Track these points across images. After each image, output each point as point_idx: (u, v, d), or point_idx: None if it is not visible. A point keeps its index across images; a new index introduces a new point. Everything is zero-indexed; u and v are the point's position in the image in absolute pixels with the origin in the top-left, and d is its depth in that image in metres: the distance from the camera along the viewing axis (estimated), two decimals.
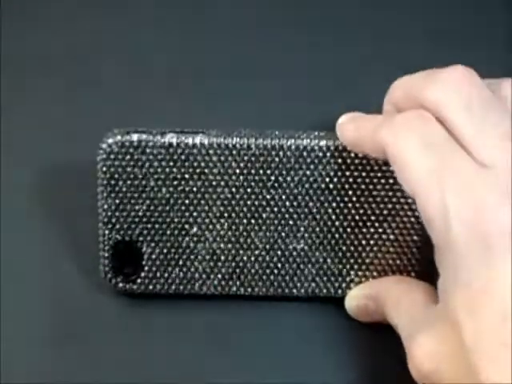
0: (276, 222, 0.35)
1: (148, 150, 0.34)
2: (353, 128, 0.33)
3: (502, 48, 0.48)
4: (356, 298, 0.36)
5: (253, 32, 0.49)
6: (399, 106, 0.32)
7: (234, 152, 0.35)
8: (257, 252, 0.35)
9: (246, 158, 0.35)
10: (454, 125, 0.29)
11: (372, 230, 0.35)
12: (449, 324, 0.27)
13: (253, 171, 0.35)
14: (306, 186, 0.35)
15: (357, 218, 0.35)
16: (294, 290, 0.36)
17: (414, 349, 0.29)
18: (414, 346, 0.29)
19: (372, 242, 0.35)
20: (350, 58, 0.48)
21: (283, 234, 0.35)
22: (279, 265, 0.35)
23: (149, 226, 0.35)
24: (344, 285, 0.35)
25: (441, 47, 0.49)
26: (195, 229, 0.35)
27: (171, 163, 0.34)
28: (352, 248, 0.35)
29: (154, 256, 0.35)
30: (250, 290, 0.35)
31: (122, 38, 0.48)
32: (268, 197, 0.35)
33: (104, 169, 0.34)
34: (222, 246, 0.35)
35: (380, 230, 0.35)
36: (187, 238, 0.35)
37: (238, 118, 0.45)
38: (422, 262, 0.34)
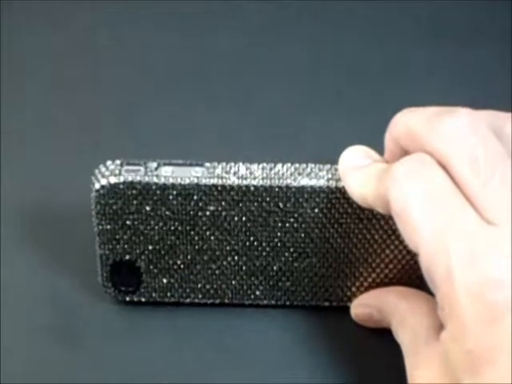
0: (274, 248, 0.35)
1: (141, 189, 0.33)
2: (357, 182, 0.31)
3: (503, 48, 0.48)
4: (361, 307, 0.35)
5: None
6: (401, 144, 0.31)
7: (231, 193, 0.33)
8: (252, 269, 0.35)
9: (243, 198, 0.33)
10: (459, 179, 0.28)
11: (375, 246, 0.35)
12: (450, 376, 0.27)
13: (251, 208, 0.33)
14: (305, 222, 0.34)
15: (360, 240, 0.34)
16: (295, 301, 0.36)
17: (413, 379, 0.29)
18: (413, 377, 0.29)
19: (376, 260, 0.35)
20: (351, 60, 0.48)
21: (281, 258, 0.35)
22: (277, 278, 0.35)
23: (146, 246, 0.34)
24: (346, 296, 0.35)
25: (441, 47, 0.49)
26: (192, 251, 0.35)
27: (165, 201, 0.33)
28: (352, 268, 0.35)
29: (152, 271, 0.35)
30: (246, 300, 0.36)
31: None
32: (265, 231, 0.34)
33: (98, 206, 0.33)
34: (218, 264, 0.35)
35: (383, 247, 0.35)
36: (185, 260, 0.35)
37: (238, 121, 0.45)
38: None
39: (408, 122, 0.30)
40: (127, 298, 0.36)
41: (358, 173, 0.31)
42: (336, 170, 0.33)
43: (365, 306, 0.35)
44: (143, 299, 0.36)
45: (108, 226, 0.34)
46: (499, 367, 0.26)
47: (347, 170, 0.32)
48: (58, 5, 0.51)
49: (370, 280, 0.35)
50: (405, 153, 0.30)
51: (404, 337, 0.31)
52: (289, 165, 0.33)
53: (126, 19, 0.50)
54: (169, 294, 0.36)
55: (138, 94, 0.46)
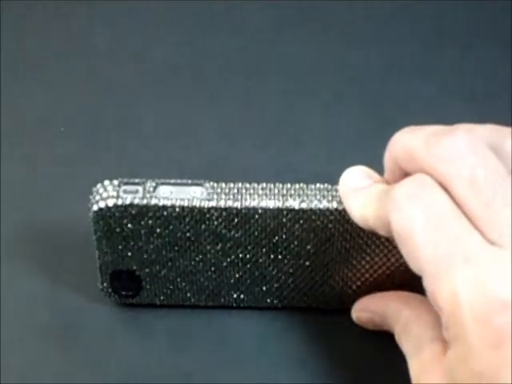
0: (273, 261, 0.34)
1: (139, 211, 0.32)
2: (358, 205, 0.31)
3: (503, 49, 0.48)
4: (362, 312, 0.35)
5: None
6: (400, 163, 0.30)
7: (231, 214, 0.32)
8: (252, 278, 0.35)
9: (242, 219, 0.33)
10: (460, 200, 0.28)
11: (372, 255, 0.34)
12: None
13: (251, 228, 0.33)
14: (306, 241, 0.33)
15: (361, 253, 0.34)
16: (288, 303, 0.36)
17: None
18: None
19: (376, 267, 0.35)
20: (351, 60, 0.48)
21: (280, 270, 0.35)
22: (276, 287, 0.35)
23: (145, 260, 0.34)
24: (345, 300, 0.35)
25: (441, 47, 0.49)
26: (191, 262, 0.34)
27: (163, 221, 0.33)
28: (353, 278, 0.35)
29: (151, 280, 0.35)
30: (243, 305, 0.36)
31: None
32: (264, 249, 0.34)
33: (96, 226, 0.33)
34: (218, 273, 0.35)
35: (385, 252, 0.34)
36: (184, 270, 0.34)
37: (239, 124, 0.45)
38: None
39: (406, 143, 0.30)
40: (126, 302, 0.36)
41: (358, 195, 0.31)
42: (336, 190, 0.32)
43: (366, 310, 0.35)
44: (142, 301, 0.36)
45: (107, 243, 0.33)
46: None
47: (348, 192, 0.32)
48: (58, 5, 0.51)
49: (368, 283, 0.35)
50: (405, 172, 0.30)
51: (408, 345, 0.31)
52: (288, 185, 0.33)
53: (126, 19, 0.50)
54: (169, 299, 0.36)
55: (138, 93, 0.46)
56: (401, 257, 0.33)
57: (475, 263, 0.27)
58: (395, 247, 0.33)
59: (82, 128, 0.44)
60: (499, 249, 0.27)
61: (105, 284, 0.35)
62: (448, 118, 0.46)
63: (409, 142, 0.30)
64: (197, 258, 0.34)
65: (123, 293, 0.35)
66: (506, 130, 0.30)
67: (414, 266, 0.28)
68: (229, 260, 0.34)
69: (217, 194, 0.32)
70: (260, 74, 0.47)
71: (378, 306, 0.34)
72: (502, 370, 0.26)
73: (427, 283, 0.27)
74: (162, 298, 0.36)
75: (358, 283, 0.35)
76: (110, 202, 0.32)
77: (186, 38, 0.49)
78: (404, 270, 0.34)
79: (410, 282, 0.34)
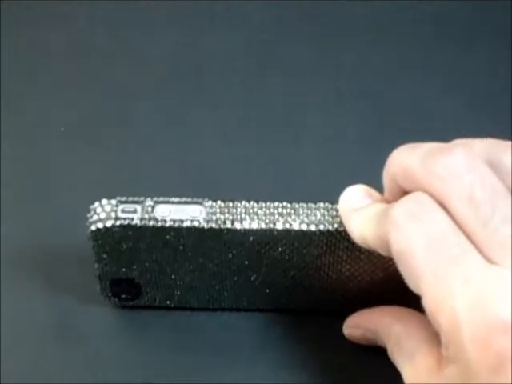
0: (271, 275, 0.34)
1: (138, 230, 0.32)
2: (358, 225, 0.31)
3: (502, 48, 0.48)
4: (354, 328, 0.35)
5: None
6: (398, 182, 0.30)
7: (229, 235, 0.32)
8: (251, 286, 0.35)
9: (240, 239, 0.32)
10: (459, 219, 0.28)
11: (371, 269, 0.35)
12: None
13: (250, 248, 0.33)
14: (303, 260, 0.33)
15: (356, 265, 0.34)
16: (288, 305, 0.36)
17: None
18: None
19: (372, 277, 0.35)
20: (351, 60, 0.48)
21: (278, 283, 0.35)
22: (275, 294, 0.35)
23: (144, 271, 0.34)
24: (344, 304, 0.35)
25: (441, 47, 0.49)
26: (191, 271, 0.34)
27: (161, 240, 0.32)
28: (350, 291, 0.35)
29: (151, 286, 0.35)
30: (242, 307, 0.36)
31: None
32: (263, 268, 0.34)
33: (95, 245, 0.33)
34: (217, 282, 0.35)
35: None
36: (184, 278, 0.34)
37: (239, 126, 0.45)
38: None
39: (404, 161, 0.29)
40: (126, 304, 0.36)
41: (357, 214, 0.31)
42: (336, 210, 0.32)
43: (358, 327, 0.35)
44: (141, 303, 0.36)
45: (106, 257, 0.33)
46: None
47: (347, 212, 0.31)
48: (58, 5, 0.51)
49: (369, 285, 0.35)
50: (404, 191, 0.30)
51: (401, 361, 0.31)
52: (288, 206, 0.32)
53: (126, 19, 0.50)
54: (168, 303, 0.36)
55: (138, 93, 0.46)
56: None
57: (474, 284, 0.26)
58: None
59: (82, 128, 0.44)
60: (499, 268, 0.26)
61: (104, 290, 0.35)
62: (448, 118, 0.46)
63: (406, 160, 0.29)
64: (196, 272, 0.34)
65: (123, 296, 0.35)
66: (504, 144, 0.29)
67: (413, 285, 0.28)
68: (228, 271, 0.34)
69: (215, 214, 0.32)
70: (260, 73, 0.47)
71: (370, 323, 0.34)
72: None
73: (427, 303, 0.27)
74: (161, 301, 0.36)
75: (358, 286, 0.35)
76: (108, 223, 0.32)
77: (186, 37, 0.49)
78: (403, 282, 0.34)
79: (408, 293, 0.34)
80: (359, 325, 0.35)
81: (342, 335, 0.35)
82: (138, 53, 0.48)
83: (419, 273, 0.27)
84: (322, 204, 0.32)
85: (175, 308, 0.36)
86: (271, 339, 0.35)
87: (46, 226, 0.39)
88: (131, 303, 0.36)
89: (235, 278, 0.34)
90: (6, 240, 0.39)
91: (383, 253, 0.29)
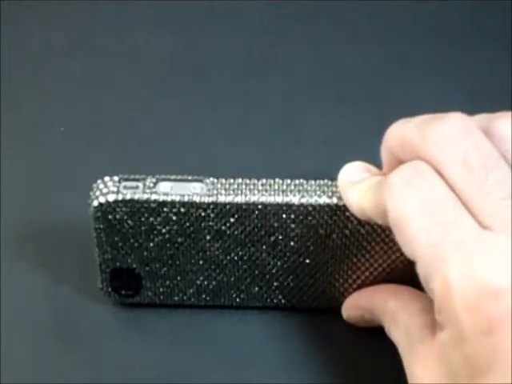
0: (273, 259, 0.34)
1: (139, 207, 0.32)
2: (356, 195, 0.31)
3: (502, 48, 0.48)
4: (351, 308, 0.35)
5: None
6: (396, 154, 0.31)
7: (231, 210, 0.32)
8: (252, 277, 0.35)
9: (242, 215, 0.33)
10: (454, 183, 0.28)
11: (372, 252, 0.35)
12: (449, 377, 0.27)
13: (251, 224, 0.33)
14: (306, 237, 0.33)
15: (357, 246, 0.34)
16: (287, 304, 0.36)
17: (412, 378, 0.29)
18: (411, 375, 0.29)
19: (374, 264, 0.35)
20: (351, 60, 0.48)
21: (280, 267, 0.35)
22: (276, 285, 0.35)
23: (145, 257, 0.34)
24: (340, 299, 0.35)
25: (441, 47, 0.49)
26: (191, 260, 0.34)
27: (163, 217, 0.33)
28: (353, 276, 0.35)
29: (151, 279, 0.35)
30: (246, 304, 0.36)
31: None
32: (265, 246, 0.34)
33: (96, 223, 0.33)
34: (218, 272, 0.35)
35: (382, 252, 0.35)
36: (184, 268, 0.35)
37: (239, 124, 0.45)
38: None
39: (401, 132, 0.30)
40: (126, 301, 0.36)
41: (356, 186, 0.31)
42: (336, 186, 0.33)
43: (355, 307, 0.35)
44: (142, 300, 0.36)
45: (107, 239, 0.33)
46: (497, 376, 0.26)
47: (346, 185, 0.32)
48: (58, 5, 0.51)
49: (368, 281, 0.35)
50: (402, 163, 0.30)
51: (397, 335, 0.31)
52: (288, 181, 0.33)
53: (126, 19, 0.50)
54: (169, 298, 0.36)
55: (138, 93, 0.46)
56: (401, 254, 0.33)
57: (467, 250, 0.27)
58: (395, 244, 0.33)
59: (82, 128, 0.44)
60: (491, 233, 0.27)
61: (104, 283, 0.35)
62: None
63: (403, 130, 0.30)
64: (196, 257, 0.34)
65: (123, 292, 0.35)
66: (498, 114, 0.30)
67: (408, 251, 0.28)
68: (228, 258, 0.34)
69: (217, 189, 0.32)
70: (260, 73, 0.47)
71: (366, 301, 0.34)
72: (493, 357, 0.26)
73: (420, 269, 0.28)
74: (161, 297, 0.36)
75: (359, 282, 0.35)
76: (111, 198, 0.32)
77: (186, 37, 0.49)
78: (403, 268, 0.34)
79: (409, 280, 0.34)
80: (356, 304, 0.35)
81: (343, 335, 0.35)
82: (138, 53, 0.48)
83: (414, 238, 0.28)
84: (321, 181, 0.33)
85: (175, 306, 0.36)
86: (271, 339, 0.35)
87: (46, 225, 0.39)
88: (131, 300, 0.36)
89: (236, 268, 0.34)
90: (5, 239, 0.39)
91: (380, 222, 0.30)
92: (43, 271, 0.37)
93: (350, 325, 0.35)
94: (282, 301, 0.36)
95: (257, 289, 0.35)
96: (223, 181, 0.33)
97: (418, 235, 0.28)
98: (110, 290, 0.35)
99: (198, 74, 0.47)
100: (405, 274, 0.34)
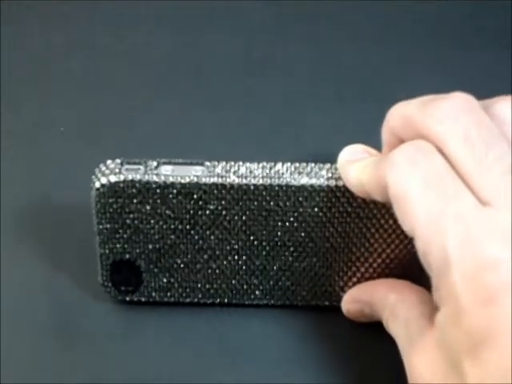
0: (274, 247, 0.34)
1: (142, 189, 0.33)
2: (355, 172, 0.32)
3: (502, 48, 0.48)
4: (351, 303, 0.35)
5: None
6: (398, 134, 0.31)
7: (232, 191, 0.33)
8: (252, 268, 0.35)
9: (243, 197, 0.33)
10: (454, 159, 0.28)
11: (376, 245, 0.35)
12: (448, 359, 0.27)
13: (251, 206, 0.33)
14: (306, 221, 0.34)
15: (357, 239, 0.34)
16: (294, 301, 0.36)
17: (411, 368, 0.29)
18: (410, 366, 0.29)
19: (376, 259, 0.35)
20: (351, 60, 0.48)
21: (281, 257, 0.35)
22: (277, 277, 0.35)
23: (146, 245, 0.34)
24: (341, 294, 0.35)
25: (441, 47, 0.49)
26: (192, 250, 0.35)
27: (164, 199, 0.33)
28: (352, 267, 0.35)
29: (152, 271, 0.35)
30: (247, 301, 0.36)
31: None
32: (267, 227, 0.34)
33: (98, 205, 0.33)
34: (218, 263, 0.35)
35: (384, 246, 0.35)
36: (185, 259, 0.35)
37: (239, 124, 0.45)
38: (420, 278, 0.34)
39: (403, 111, 0.31)
40: (127, 298, 0.36)
41: (355, 164, 0.32)
42: (336, 168, 0.33)
43: (355, 301, 0.35)
44: (143, 299, 0.36)
45: (108, 225, 0.34)
46: (498, 347, 0.26)
47: (345, 163, 0.33)
48: (58, 4, 0.51)
49: (367, 274, 0.35)
50: (402, 143, 0.30)
51: (396, 328, 0.32)
52: (289, 164, 0.33)
53: (126, 19, 0.50)
54: (168, 294, 0.36)
55: (138, 93, 0.46)
56: (400, 243, 0.33)
57: (466, 222, 0.27)
58: (394, 231, 0.33)
59: (82, 128, 0.44)
60: (490, 209, 0.27)
61: (105, 277, 0.35)
62: None
63: (405, 109, 0.31)
64: (196, 246, 0.34)
65: (123, 287, 0.35)
66: (498, 97, 0.31)
67: (408, 227, 0.28)
68: (228, 248, 0.34)
69: (217, 171, 0.33)
70: (260, 73, 0.47)
71: (366, 295, 0.35)
72: (493, 328, 0.26)
73: (419, 243, 0.28)
74: (161, 294, 0.35)
75: (358, 275, 0.35)
76: (113, 178, 0.33)
77: (186, 37, 0.49)
78: (402, 261, 0.34)
79: (407, 275, 0.34)
80: (356, 298, 0.35)
81: (343, 335, 0.35)
82: (138, 53, 0.48)
83: (414, 213, 0.28)
84: (322, 164, 0.33)
85: (175, 305, 0.36)
86: (272, 339, 0.35)
87: (46, 225, 0.39)
88: (131, 297, 0.36)
89: (236, 258, 0.35)
90: (5, 239, 0.39)
91: (379, 198, 0.30)
92: (43, 271, 0.37)
93: (350, 323, 0.35)
94: (282, 298, 0.36)
95: (256, 283, 0.35)
96: (224, 163, 0.33)
97: (417, 210, 0.28)
98: (110, 284, 0.35)
99: (198, 74, 0.47)
100: (404, 268, 0.35)
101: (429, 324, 0.29)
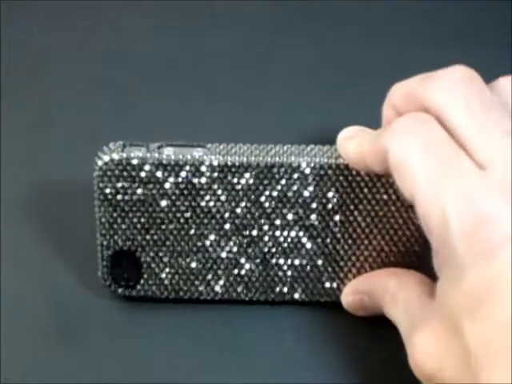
0: (274, 235, 0.35)
1: (144, 167, 0.33)
2: (354, 144, 0.33)
3: (502, 48, 0.48)
4: (351, 294, 0.36)
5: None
6: (399, 109, 0.32)
7: (233, 170, 0.33)
8: (256, 261, 0.35)
9: (244, 175, 0.34)
10: (454, 125, 0.29)
11: (371, 239, 0.35)
12: (449, 326, 0.27)
13: (253, 188, 0.34)
14: (307, 201, 0.34)
15: (357, 230, 0.34)
16: (294, 296, 0.36)
17: (413, 347, 0.29)
18: (412, 345, 0.29)
19: (371, 251, 0.35)
20: (351, 60, 0.48)
21: (281, 247, 0.35)
22: (277, 271, 0.35)
23: (147, 235, 0.34)
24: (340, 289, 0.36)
25: (441, 47, 0.49)
26: (193, 238, 0.35)
27: (168, 180, 0.34)
28: (352, 258, 0.35)
29: (152, 264, 0.35)
30: (249, 295, 0.36)
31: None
32: (268, 211, 0.34)
33: (100, 185, 0.34)
34: (220, 254, 0.35)
35: (379, 240, 0.35)
36: (186, 248, 0.35)
37: (239, 118, 0.45)
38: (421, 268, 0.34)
39: (405, 87, 0.32)
40: (127, 293, 0.36)
41: (353, 139, 0.33)
42: (335, 149, 0.34)
43: (355, 292, 0.35)
44: (142, 293, 0.36)
45: (109, 209, 0.34)
46: (499, 302, 0.26)
47: (344, 140, 0.33)
48: (58, 4, 0.51)
49: (366, 265, 0.35)
50: None
51: (397, 313, 0.32)
52: (289, 145, 0.34)
53: (126, 19, 0.50)
54: (168, 289, 0.35)
55: (138, 93, 0.46)
56: (399, 227, 0.34)
57: (466, 183, 0.28)
58: (393, 215, 0.34)
59: (82, 128, 0.44)
60: (490, 170, 0.28)
61: (105, 270, 0.35)
62: None
63: (406, 85, 0.32)
64: (196, 235, 0.34)
65: (123, 282, 0.35)
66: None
67: (407, 192, 0.29)
68: (229, 234, 0.34)
69: (219, 152, 0.34)
70: (260, 73, 0.47)
71: (366, 284, 0.35)
72: (493, 283, 0.26)
73: (418, 208, 0.29)
74: (161, 289, 0.35)
75: (358, 265, 0.35)
76: (115, 156, 0.33)
77: (186, 37, 0.49)
78: (401, 251, 0.35)
79: (407, 262, 0.35)
80: (356, 289, 0.35)
81: (344, 334, 0.35)
82: (138, 53, 0.48)
83: (414, 179, 0.29)
84: (321, 146, 0.34)
85: (175, 303, 0.36)
86: (272, 339, 0.35)
87: (46, 224, 0.39)
88: (131, 292, 0.35)
89: (235, 250, 0.35)
90: (5, 236, 0.39)
91: (379, 169, 0.31)
92: (43, 270, 0.37)
93: (349, 322, 0.35)
94: (283, 294, 0.36)
95: (260, 277, 0.35)
96: (225, 145, 0.34)
97: (417, 174, 0.29)
98: (109, 278, 0.35)
99: (198, 74, 0.47)
100: (403, 259, 0.35)
101: (429, 300, 0.30)
